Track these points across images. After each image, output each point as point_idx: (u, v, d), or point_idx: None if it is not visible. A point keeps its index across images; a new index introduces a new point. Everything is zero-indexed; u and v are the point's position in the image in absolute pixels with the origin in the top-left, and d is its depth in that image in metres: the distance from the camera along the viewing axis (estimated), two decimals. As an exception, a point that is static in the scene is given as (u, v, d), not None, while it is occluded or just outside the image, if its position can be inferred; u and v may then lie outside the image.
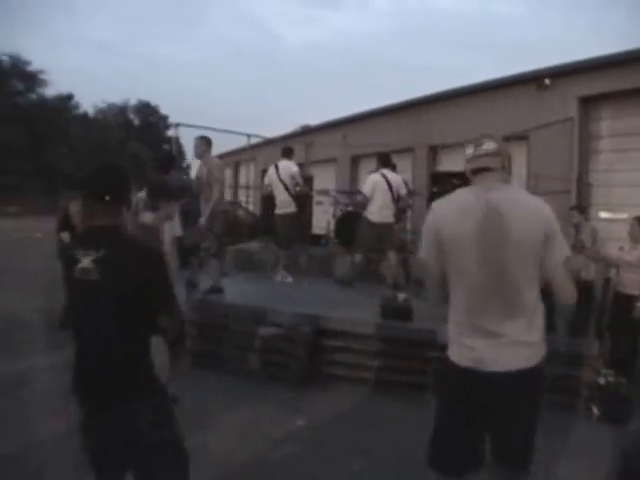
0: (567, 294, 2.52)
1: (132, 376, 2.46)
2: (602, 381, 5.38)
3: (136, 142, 54.11)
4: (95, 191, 2.54)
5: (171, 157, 5.67)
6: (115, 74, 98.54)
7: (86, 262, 2.38)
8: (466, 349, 2.47)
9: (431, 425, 2.63)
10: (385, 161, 8.70)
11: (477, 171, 2.66)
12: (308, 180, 11.92)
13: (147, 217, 4.87)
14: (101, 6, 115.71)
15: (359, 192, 9.21)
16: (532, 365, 2.45)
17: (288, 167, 8.92)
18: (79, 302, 2.50)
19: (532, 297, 2.48)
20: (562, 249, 2.51)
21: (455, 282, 2.54)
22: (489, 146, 2.70)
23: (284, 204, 8.76)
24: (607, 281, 7.00)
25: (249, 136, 11.81)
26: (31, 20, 76.51)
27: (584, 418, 5.17)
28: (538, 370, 2.48)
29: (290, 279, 8.68)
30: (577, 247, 7.28)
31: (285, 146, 9.78)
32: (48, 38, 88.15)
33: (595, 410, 5.24)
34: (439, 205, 2.66)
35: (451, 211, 2.56)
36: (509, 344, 2.43)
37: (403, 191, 8.57)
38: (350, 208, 10.60)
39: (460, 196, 2.64)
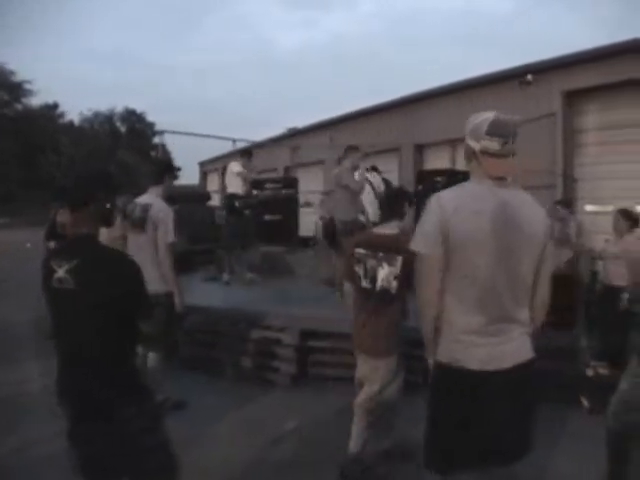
0: (545, 313, 2.56)
1: (115, 383, 2.46)
2: (590, 373, 5.39)
3: (125, 150, 53.88)
4: (69, 199, 2.58)
5: (166, 165, 5.71)
6: (101, 81, 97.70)
7: (61, 272, 2.42)
8: (475, 349, 2.36)
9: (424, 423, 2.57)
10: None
11: (502, 155, 2.38)
12: (293, 182, 11.90)
13: None
14: (85, 12, 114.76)
15: None
16: (533, 355, 2.47)
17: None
18: (58, 312, 2.54)
19: (531, 290, 2.46)
20: (552, 256, 2.49)
21: (465, 281, 2.35)
22: (515, 127, 2.43)
23: None
24: (594, 274, 7.03)
25: (234, 141, 11.76)
26: (12, 29, 75.60)
27: (574, 411, 5.17)
28: (534, 359, 2.49)
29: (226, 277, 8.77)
30: (563, 241, 7.32)
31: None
32: (30, 46, 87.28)
33: (585, 403, 5.24)
34: (449, 197, 2.41)
35: (463, 205, 2.35)
36: (517, 338, 2.41)
37: (381, 189, 8.53)
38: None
39: (473, 189, 2.42)
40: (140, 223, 4.93)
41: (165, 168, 5.37)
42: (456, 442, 2.44)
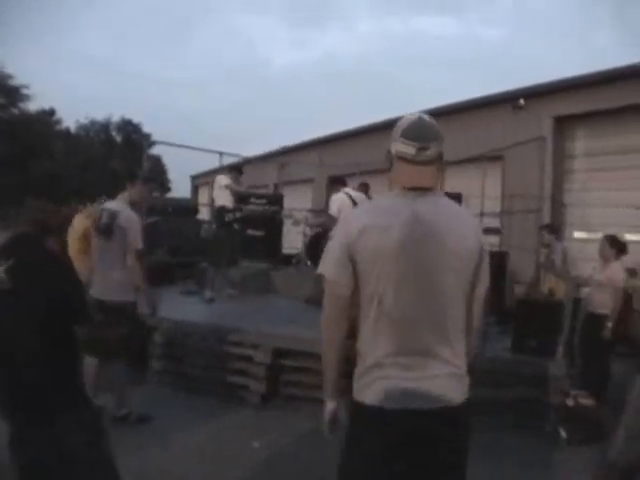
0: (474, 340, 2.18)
1: (53, 389, 2.39)
2: (570, 403, 5.24)
3: (119, 160, 53.86)
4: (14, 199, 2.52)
5: (129, 172, 5.74)
6: (99, 91, 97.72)
7: (0, 272, 2.36)
8: (381, 383, 1.97)
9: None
10: (343, 182, 8.86)
11: (418, 162, 2.07)
12: (279, 199, 11.79)
13: None
14: (85, 21, 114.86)
15: (326, 212, 9.05)
16: (466, 399, 2.03)
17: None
18: None
19: (463, 320, 2.06)
20: (487, 278, 2.13)
21: (373, 306, 2.00)
22: (437, 132, 2.13)
23: None
24: (578, 301, 6.91)
25: (221, 154, 11.74)
26: (12, 34, 75.13)
27: (552, 441, 5.01)
28: (469, 404, 2.05)
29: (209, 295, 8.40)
30: (547, 267, 7.22)
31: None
32: (30, 52, 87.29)
33: (563, 433, 5.07)
34: (356, 214, 2.14)
35: (370, 223, 2.00)
36: (440, 377, 1.98)
37: None
38: (319, 229, 10.47)
39: (385, 202, 2.10)
40: (106, 229, 4.96)
41: (128, 176, 5.41)
42: None
